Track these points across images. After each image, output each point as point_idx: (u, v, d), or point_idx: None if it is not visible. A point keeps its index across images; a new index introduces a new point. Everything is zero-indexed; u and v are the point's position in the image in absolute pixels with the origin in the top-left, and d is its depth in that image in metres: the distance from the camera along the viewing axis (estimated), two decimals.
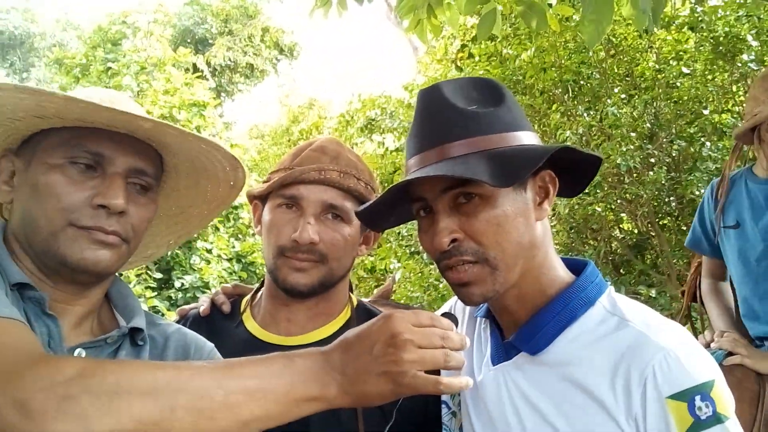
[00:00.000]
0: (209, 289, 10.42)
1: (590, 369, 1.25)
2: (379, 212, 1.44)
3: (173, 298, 10.49)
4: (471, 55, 7.90)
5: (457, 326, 1.19)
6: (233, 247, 11.54)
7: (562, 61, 6.74)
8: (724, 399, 1.18)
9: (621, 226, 7.10)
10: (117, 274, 1.41)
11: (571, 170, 1.41)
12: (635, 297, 5.65)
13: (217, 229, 11.01)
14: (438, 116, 1.33)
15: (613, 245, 6.89)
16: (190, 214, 1.54)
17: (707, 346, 2.36)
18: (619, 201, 6.47)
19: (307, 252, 1.62)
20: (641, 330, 1.25)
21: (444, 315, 1.19)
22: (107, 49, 13.08)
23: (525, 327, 1.35)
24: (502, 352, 1.41)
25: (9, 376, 0.96)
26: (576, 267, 1.42)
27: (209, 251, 10.99)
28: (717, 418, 1.15)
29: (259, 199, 1.76)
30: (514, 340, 1.37)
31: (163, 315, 9.68)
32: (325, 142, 1.74)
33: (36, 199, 1.22)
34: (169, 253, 9.25)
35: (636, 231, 6.83)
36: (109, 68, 12.27)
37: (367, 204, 1.46)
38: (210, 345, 1.47)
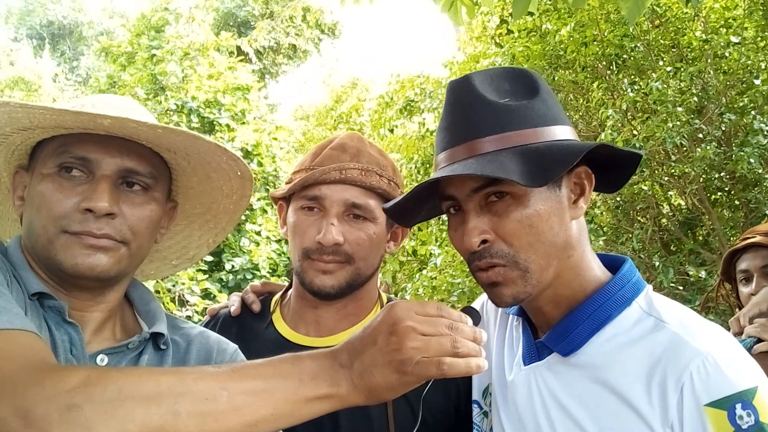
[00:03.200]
0: (259, 271, 10.56)
1: (624, 372, 1.21)
2: (407, 208, 1.41)
3: (224, 280, 10.65)
4: (510, 31, 7.74)
5: (477, 324, 1.15)
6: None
7: (604, 35, 6.56)
8: None
9: (671, 202, 6.91)
10: (135, 276, 1.41)
11: (610, 165, 1.35)
12: (684, 279, 5.52)
13: (265, 211, 11.14)
14: (468, 110, 1.28)
15: (662, 222, 6.71)
16: (216, 210, 1.52)
17: (737, 334, 2.28)
18: (666, 178, 6.29)
19: (332, 253, 1.60)
20: (678, 332, 1.19)
21: (464, 309, 1.16)
22: (151, 37, 13.26)
23: (557, 327, 1.31)
24: (534, 352, 1.37)
25: (14, 385, 0.96)
26: (614, 264, 1.37)
27: (258, 233, 11.13)
28: (760, 428, 1.09)
29: (283, 200, 1.74)
30: (546, 340, 1.33)
31: (214, 297, 9.87)
32: (346, 138, 1.71)
33: (34, 210, 1.25)
34: None
35: (686, 207, 6.64)
36: (154, 55, 12.43)
37: (395, 200, 1.43)
38: (233, 346, 1.47)
